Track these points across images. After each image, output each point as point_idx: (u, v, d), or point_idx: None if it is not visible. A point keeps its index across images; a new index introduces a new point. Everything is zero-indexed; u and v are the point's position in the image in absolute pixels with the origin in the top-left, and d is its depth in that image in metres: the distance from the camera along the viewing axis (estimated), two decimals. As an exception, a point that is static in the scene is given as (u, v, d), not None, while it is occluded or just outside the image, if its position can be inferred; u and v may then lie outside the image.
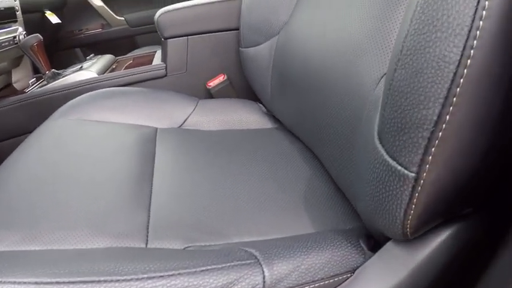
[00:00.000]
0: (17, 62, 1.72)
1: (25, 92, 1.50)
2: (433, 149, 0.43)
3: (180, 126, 1.10)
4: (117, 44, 2.57)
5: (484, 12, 0.38)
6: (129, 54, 2.08)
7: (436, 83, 0.41)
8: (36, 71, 1.71)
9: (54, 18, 2.23)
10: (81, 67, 1.57)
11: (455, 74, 0.40)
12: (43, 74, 1.55)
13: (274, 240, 0.65)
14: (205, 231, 0.69)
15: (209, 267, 0.55)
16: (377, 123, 0.53)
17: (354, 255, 0.59)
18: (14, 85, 1.69)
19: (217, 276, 0.54)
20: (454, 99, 0.40)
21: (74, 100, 1.15)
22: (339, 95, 0.72)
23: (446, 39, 0.40)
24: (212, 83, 1.31)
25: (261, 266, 0.56)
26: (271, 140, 1.01)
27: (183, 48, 1.31)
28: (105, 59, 1.69)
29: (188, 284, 0.53)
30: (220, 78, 1.31)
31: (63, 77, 1.49)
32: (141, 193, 0.78)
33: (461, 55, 0.39)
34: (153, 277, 0.53)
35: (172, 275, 0.53)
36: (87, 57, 1.80)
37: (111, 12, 2.49)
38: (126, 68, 1.55)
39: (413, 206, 0.47)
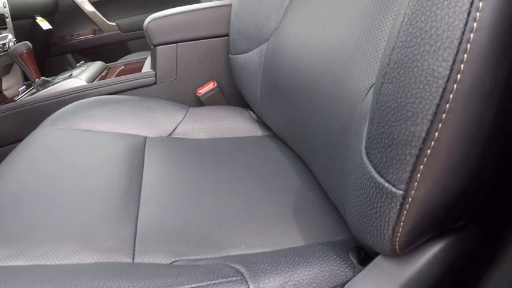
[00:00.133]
0: (6, 70, 1.72)
1: (14, 100, 1.49)
2: (421, 167, 0.42)
3: (169, 134, 1.09)
4: (109, 50, 2.56)
5: (475, 24, 0.36)
6: (119, 61, 2.06)
7: (424, 98, 0.40)
8: (26, 78, 1.70)
9: (45, 24, 2.22)
10: (71, 75, 1.56)
11: (444, 89, 0.38)
12: (33, 82, 1.54)
13: (261, 254, 0.64)
14: (193, 244, 0.68)
15: (194, 286, 0.54)
16: (365, 137, 0.52)
17: (343, 270, 0.58)
18: (4, 93, 1.68)
19: (202, 294, 0.53)
20: (444, 115, 0.39)
21: (63, 109, 1.14)
22: (328, 104, 0.71)
23: (435, 53, 0.39)
24: (202, 91, 1.29)
25: (247, 283, 0.55)
26: (262, 148, 1.00)
27: (173, 55, 1.29)
28: (95, 66, 1.68)
29: (173, 303, 0.52)
30: (210, 86, 1.30)
31: (52, 84, 1.48)
32: (128, 205, 0.77)
33: (451, 70, 0.38)
34: (137, 296, 0.52)
35: (157, 294, 0.52)
36: (77, 65, 1.79)
37: (102, 17, 2.48)
38: (117, 75, 1.54)
39: (402, 223, 0.45)
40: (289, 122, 0.90)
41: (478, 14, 0.36)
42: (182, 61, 1.30)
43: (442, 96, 0.38)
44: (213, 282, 0.55)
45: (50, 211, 0.73)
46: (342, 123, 0.66)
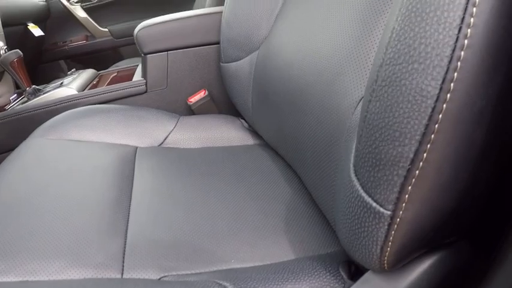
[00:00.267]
0: (-2, 78, 1.71)
1: (5, 109, 1.48)
2: (409, 188, 0.41)
3: (160, 144, 1.08)
4: (101, 56, 2.55)
5: (466, 41, 0.35)
6: (111, 68, 2.06)
7: (412, 118, 0.39)
8: (18, 86, 1.69)
9: (37, 31, 2.21)
10: (62, 83, 1.55)
11: (433, 109, 0.37)
12: (24, 91, 1.53)
13: (251, 269, 0.64)
14: (182, 259, 0.67)
15: (181, 305, 0.53)
16: (353, 154, 0.51)
17: (333, 285, 0.58)
18: (-4, 101, 1.67)
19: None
20: (432, 136, 0.38)
21: (53, 119, 1.13)
22: (318, 116, 0.70)
23: (423, 71, 0.37)
24: (193, 99, 1.28)
25: (235, 301, 0.54)
26: (253, 157, 1.00)
27: (163, 63, 1.28)
28: (87, 73, 1.67)
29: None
30: (201, 94, 1.29)
31: (43, 93, 1.47)
32: (118, 217, 0.76)
33: (440, 89, 0.36)
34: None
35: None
36: (68, 73, 1.78)
37: (94, 23, 2.47)
38: (108, 83, 1.53)
39: (390, 243, 0.45)
40: (279, 132, 0.89)
41: (469, 30, 0.35)
42: (173, 69, 1.29)
43: (430, 117, 0.37)
44: (200, 300, 0.54)
45: (39, 225, 0.72)
46: (332, 136, 0.65)
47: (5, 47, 1.70)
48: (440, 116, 0.37)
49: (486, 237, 0.55)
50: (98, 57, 2.55)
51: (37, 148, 0.99)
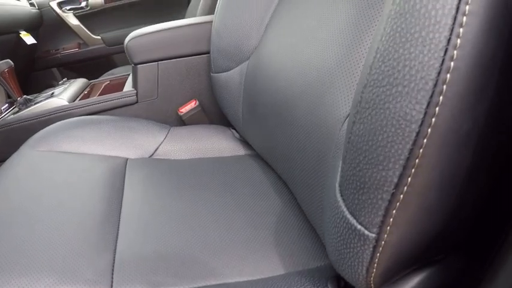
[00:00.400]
0: (-11, 88, 1.70)
1: (-4, 120, 1.47)
2: (394, 211, 0.40)
3: (150, 156, 1.08)
4: (94, 63, 2.54)
5: (452, 64, 0.34)
6: (103, 77, 2.05)
7: (396, 143, 0.38)
8: (9, 95, 1.69)
9: (29, 39, 2.20)
10: (53, 93, 1.54)
11: (417, 134, 0.36)
12: (15, 101, 1.52)
13: (240, 284, 0.63)
14: (171, 274, 0.67)
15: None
16: (339, 174, 0.50)
17: (321, 303, 0.57)
18: (-13, 111, 1.66)
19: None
20: (417, 160, 0.37)
21: (44, 130, 1.13)
22: (307, 129, 0.70)
23: (407, 95, 0.36)
24: (184, 109, 1.28)
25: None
26: (244, 168, 0.99)
27: (154, 74, 1.28)
28: (78, 83, 1.66)
29: None
30: (192, 104, 1.28)
31: (35, 103, 1.46)
32: (107, 231, 0.75)
33: (425, 113, 0.35)
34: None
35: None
36: (60, 82, 1.77)
37: (87, 31, 2.47)
38: (100, 92, 1.53)
39: (376, 264, 0.44)
40: (270, 144, 0.89)
41: (455, 52, 0.34)
42: (163, 80, 1.29)
43: (415, 141, 0.36)
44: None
45: (26, 242, 0.71)
46: (320, 151, 0.65)
47: (-3, 55, 1.70)
48: (425, 140, 0.36)
49: (475, 254, 0.54)
50: (91, 65, 2.54)
51: (28, 160, 0.98)
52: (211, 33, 1.19)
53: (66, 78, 1.80)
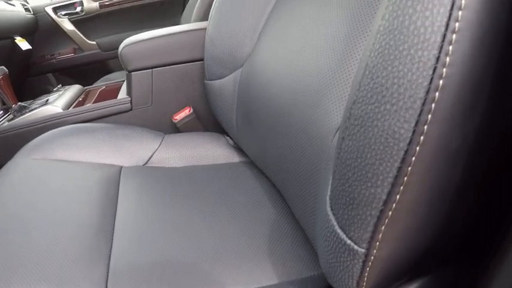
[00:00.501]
0: (-16, 95, 1.69)
1: (-9, 127, 1.47)
2: (383, 227, 0.40)
3: (145, 163, 1.08)
4: (90, 69, 2.54)
5: (441, 82, 0.33)
6: (98, 83, 2.05)
7: (384, 160, 0.37)
8: (4, 102, 1.68)
9: (24, 45, 2.19)
10: (47, 100, 1.54)
11: (406, 152, 0.36)
12: (9, 108, 1.52)
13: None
14: (165, 283, 0.67)
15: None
16: (329, 187, 0.50)
17: (313, 313, 0.57)
18: (-18, 118, 1.66)
19: None
20: (405, 178, 0.37)
21: (39, 138, 1.13)
22: (299, 140, 0.70)
23: (396, 113, 0.36)
24: (178, 117, 1.28)
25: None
26: (238, 176, 0.99)
27: (148, 81, 1.28)
28: (72, 90, 1.66)
29: None
30: (186, 112, 1.28)
31: (29, 110, 1.46)
32: (101, 241, 0.75)
33: (413, 132, 0.35)
34: None
35: None
36: (54, 89, 1.76)
37: (82, 36, 2.47)
38: (95, 100, 1.53)
39: (366, 278, 0.44)
40: (264, 153, 0.89)
41: (444, 70, 0.33)
42: (158, 87, 1.29)
43: (403, 159, 0.36)
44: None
45: (19, 254, 0.71)
46: (313, 162, 0.65)
47: (-9, 63, 1.69)
48: (414, 158, 0.36)
49: (468, 264, 0.54)
50: (86, 70, 2.54)
51: (23, 168, 0.98)
52: (205, 40, 1.19)
53: (61, 85, 1.80)
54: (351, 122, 0.42)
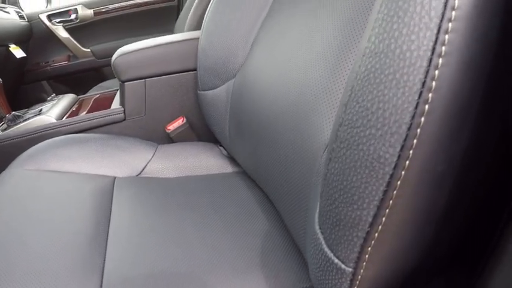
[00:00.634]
0: (-23, 104, 1.69)
1: (-16, 138, 1.47)
2: (369, 249, 0.40)
3: (138, 174, 1.08)
4: (84, 76, 2.54)
5: (426, 107, 0.33)
6: (92, 91, 2.05)
7: (370, 184, 0.37)
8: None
9: (19, 52, 2.19)
10: (41, 110, 1.54)
11: (391, 176, 0.36)
12: (3, 117, 1.52)
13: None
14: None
15: None
16: (318, 205, 0.50)
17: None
18: (-25, 128, 1.66)
19: None
20: (391, 201, 0.37)
21: (32, 148, 1.13)
22: (290, 153, 0.70)
23: (381, 138, 0.36)
24: (171, 127, 1.28)
25: None
26: (231, 186, 0.99)
27: (141, 91, 1.28)
28: (66, 99, 1.66)
29: None
30: (180, 122, 1.28)
31: (23, 120, 1.46)
32: (94, 254, 0.75)
33: (399, 156, 0.35)
34: None
35: None
36: (48, 98, 1.76)
37: (77, 43, 2.47)
38: (89, 109, 1.52)
39: None
40: (256, 164, 0.89)
41: (430, 95, 0.33)
42: (151, 97, 1.29)
43: (389, 183, 0.36)
44: None
45: (11, 265, 0.71)
46: (303, 176, 0.65)
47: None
48: (399, 182, 0.36)
49: (459, 278, 0.54)
50: (81, 78, 2.54)
51: (16, 179, 0.98)
52: (197, 51, 1.19)
53: (54, 94, 1.79)
54: (337, 144, 0.42)
